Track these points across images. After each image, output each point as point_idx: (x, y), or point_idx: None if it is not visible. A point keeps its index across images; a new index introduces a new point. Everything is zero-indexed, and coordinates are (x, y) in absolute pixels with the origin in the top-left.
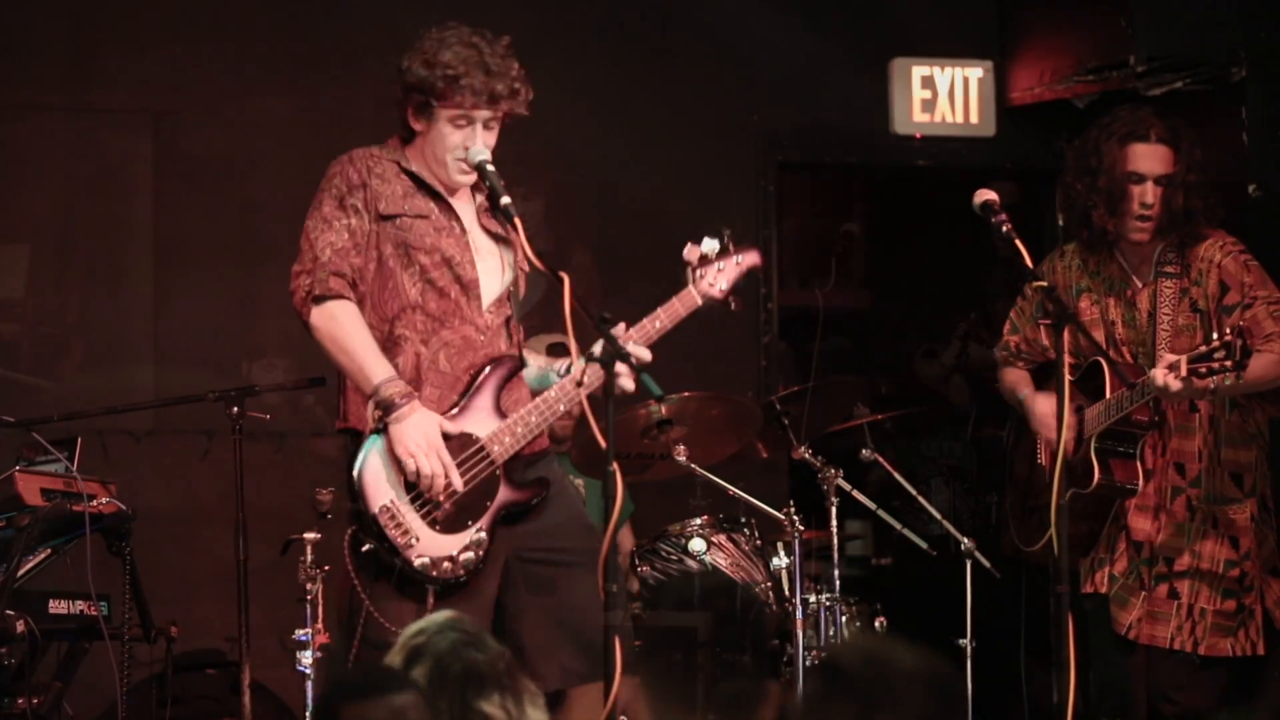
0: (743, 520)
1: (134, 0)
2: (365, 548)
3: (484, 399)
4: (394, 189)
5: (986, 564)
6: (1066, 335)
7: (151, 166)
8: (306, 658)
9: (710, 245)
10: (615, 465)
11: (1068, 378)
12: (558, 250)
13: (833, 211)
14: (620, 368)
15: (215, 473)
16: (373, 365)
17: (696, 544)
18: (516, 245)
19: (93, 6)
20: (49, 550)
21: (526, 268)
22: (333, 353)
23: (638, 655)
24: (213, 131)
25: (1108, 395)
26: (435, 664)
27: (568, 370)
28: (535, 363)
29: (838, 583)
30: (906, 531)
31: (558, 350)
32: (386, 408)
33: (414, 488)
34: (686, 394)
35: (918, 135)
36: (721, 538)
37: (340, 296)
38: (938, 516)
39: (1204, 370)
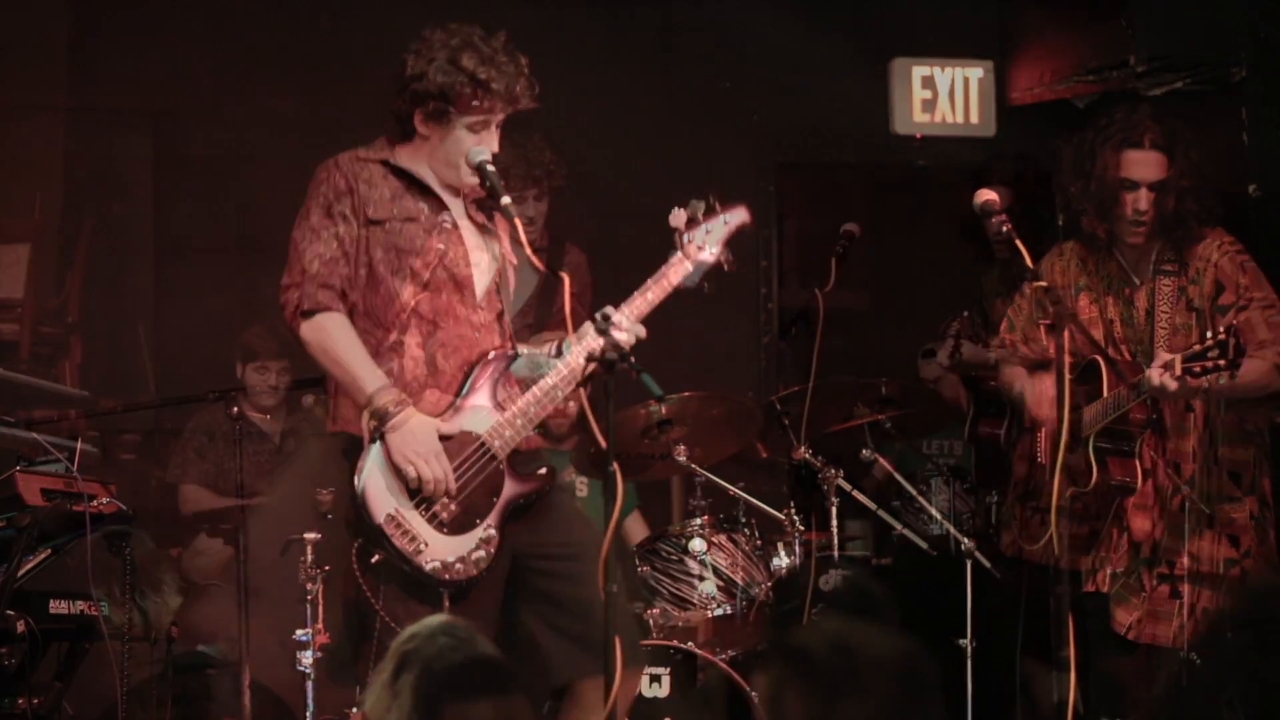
0: (743, 520)
1: (134, 0)
2: (375, 558)
3: (480, 395)
4: (381, 192)
5: (986, 564)
6: (1066, 336)
7: (151, 166)
8: (306, 658)
9: (696, 206)
10: (615, 465)
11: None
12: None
13: (833, 211)
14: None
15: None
16: (365, 375)
17: (696, 544)
18: (502, 235)
19: (93, 6)
20: (49, 550)
21: (515, 260)
22: (325, 364)
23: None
24: (213, 131)
25: (1105, 394)
26: (423, 670)
27: (558, 353)
28: (521, 350)
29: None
30: (907, 531)
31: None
32: (381, 417)
33: (416, 494)
34: (686, 394)
35: (918, 135)
36: (721, 538)
37: (329, 309)
38: (938, 516)
39: (1198, 369)
